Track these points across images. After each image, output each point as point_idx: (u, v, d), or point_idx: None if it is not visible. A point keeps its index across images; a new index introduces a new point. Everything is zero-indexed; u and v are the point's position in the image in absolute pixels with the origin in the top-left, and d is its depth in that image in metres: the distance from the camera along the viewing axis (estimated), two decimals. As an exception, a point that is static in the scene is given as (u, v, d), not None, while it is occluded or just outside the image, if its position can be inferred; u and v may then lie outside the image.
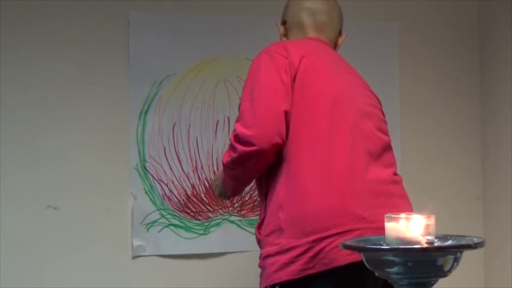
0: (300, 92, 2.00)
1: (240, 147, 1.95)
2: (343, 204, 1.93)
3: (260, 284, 2.02)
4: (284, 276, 1.94)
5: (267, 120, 1.95)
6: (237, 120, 2.00)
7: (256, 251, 2.74)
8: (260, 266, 2.03)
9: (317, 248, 1.90)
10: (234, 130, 1.98)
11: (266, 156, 1.97)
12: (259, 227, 2.06)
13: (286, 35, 2.25)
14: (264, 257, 2.00)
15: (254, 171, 2.03)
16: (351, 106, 2.06)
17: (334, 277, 1.91)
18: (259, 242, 2.05)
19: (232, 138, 1.98)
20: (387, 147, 2.12)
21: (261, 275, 2.02)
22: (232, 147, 1.98)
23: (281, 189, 1.99)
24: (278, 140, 1.96)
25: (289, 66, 2.01)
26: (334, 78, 2.08)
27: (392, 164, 2.13)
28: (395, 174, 2.12)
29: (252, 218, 2.75)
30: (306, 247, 1.91)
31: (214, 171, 2.74)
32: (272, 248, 1.97)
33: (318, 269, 1.90)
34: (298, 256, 1.92)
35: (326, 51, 2.17)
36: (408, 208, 2.04)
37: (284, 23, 2.25)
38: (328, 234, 1.89)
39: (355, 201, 1.95)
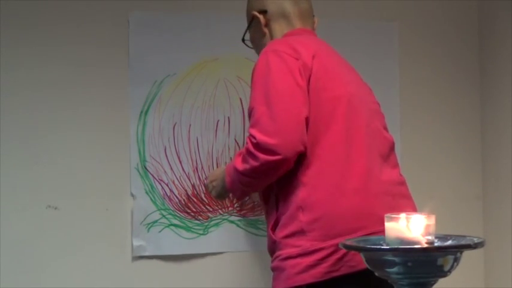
0: (315, 94, 1.98)
1: (262, 156, 1.91)
2: (366, 206, 1.92)
3: (276, 285, 2.00)
4: (308, 278, 1.93)
5: (289, 127, 1.91)
6: (253, 126, 1.94)
7: (256, 251, 2.75)
8: (276, 267, 2.00)
9: (343, 250, 1.88)
10: (253, 137, 1.92)
11: (288, 164, 1.94)
12: (273, 228, 2.03)
13: (267, 25, 2.19)
14: (282, 259, 1.98)
15: (273, 178, 1.99)
16: (362, 106, 2.07)
17: (359, 279, 1.90)
18: (274, 243, 2.02)
19: (252, 147, 1.92)
20: (392, 147, 2.13)
21: (277, 277, 2.00)
22: (252, 156, 1.93)
23: (300, 191, 1.97)
24: (301, 148, 1.93)
25: (303, 69, 1.97)
26: (344, 78, 2.07)
27: (397, 164, 2.14)
28: (400, 174, 2.13)
29: (252, 218, 2.75)
30: (331, 249, 1.90)
31: (214, 171, 2.73)
32: (293, 250, 1.96)
33: (343, 271, 1.89)
34: (324, 258, 1.91)
35: (329, 48, 2.16)
36: (415, 209, 2.05)
37: (264, 12, 2.18)
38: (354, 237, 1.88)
39: (376, 203, 1.95)
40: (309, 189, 1.96)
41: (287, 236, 1.98)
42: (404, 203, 2.06)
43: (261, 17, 2.18)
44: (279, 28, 2.17)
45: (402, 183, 2.11)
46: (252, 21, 2.23)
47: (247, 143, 1.96)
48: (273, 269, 2.04)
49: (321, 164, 1.97)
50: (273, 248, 2.05)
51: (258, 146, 1.91)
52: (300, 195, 1.97)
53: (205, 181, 2.34)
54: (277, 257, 2.01)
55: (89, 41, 2.67)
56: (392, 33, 2.97)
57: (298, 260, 1.94)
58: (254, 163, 1.93)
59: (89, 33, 2.67)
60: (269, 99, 1.93)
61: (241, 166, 1.99)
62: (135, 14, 2.70)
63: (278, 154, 1.90)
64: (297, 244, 1.95)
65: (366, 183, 1.98)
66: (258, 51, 2.26)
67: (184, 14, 2.75)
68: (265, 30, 2.18)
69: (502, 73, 2.96)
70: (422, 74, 3.03)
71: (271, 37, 2.20)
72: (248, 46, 2.36)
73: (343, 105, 2.01)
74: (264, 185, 2.05)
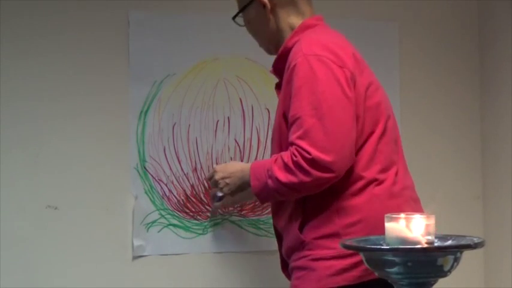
0: (362, 103, 1.96)
1: (316, 173, 1.86)
2: (400, 211, 1.90)
3: (302, 284, 1.99)
4: (341, 281, 1.92)
5: (343, 145, 1.88)
6: (303, 138, 1.87)
7: (257, 251, 2.75)
8: (304, 266, 1.99)
9: None
10: (307, 152, 1.86)
11: (337, 180, 1.91)
12: (300, 228, 2.01)
13: (273, 10, 2.08)
14: (313, 259, 1.97)
15: (317, 192, 1.95)
16: (389, 109, 2.08)
17: (388, 283, 1.90)
18: (301, 243, 2.00)
19: (304, 162, 1.86)
20: None
21: (305, 276, 1.98)
22: (303, 171, 1.87)
23: (337, 195, 1.96)
24: (351, 164, 1.92)
25: (350, 77, 1.93)
26: (374, 78, 2.07)
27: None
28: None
29: (253, 218, 2.75)
30: None
31: (214, 171, 2.73)
32: (327, 252, 1.95)
33: (374, 276, 1.89)
34: (359, 263, 1.88)
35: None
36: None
37: None
38: None
39: (406, 208, 1.95)
40: (346, 195, 1.96)
41: (320, 238, 1.97)
42: (420, 208, 2.09)
43: (267, 2, 2.07)
44: (286, 15, 2.08)
45: (414, 187, 2.13)
46: (251, 3, 2.10)
47: (295, 155, 1.88)
48: (298, 268, 2.01)
49: (357, 170, 1.96)
50: (297, 247, 2.02)
51: (313, 162, 1.85)
52: (336, 199, 1.96)
53: (214, 175, 2.26)
54: (305, 256, 1.99)
55: (89, 41, 2.66)
56: (392, 33, 2.97)
57: (332, 262, 1.93)
58: (305, 178, 1.88)
59: (89, 33, 2.66)
60: (320, 111, 1.87)
61: (285, 177, 1.91)
62: (135, 14, 2.70)
63: (333, 172, 1.86)
64: (331, 246, 1.93)
65: (398, 188, 1.99)
66: (258, 38, 2.21)
67: (184, 15, 2.75)
68: (270, 16, 2.09)
69: (502, 73, 2.96)
70: (423, 75, 3.03)
71: (277, 25, 2.10)
72: (238, 24, 2.24)
73: (383, 112, 2.01)
74: (302, 196, 2.00)
